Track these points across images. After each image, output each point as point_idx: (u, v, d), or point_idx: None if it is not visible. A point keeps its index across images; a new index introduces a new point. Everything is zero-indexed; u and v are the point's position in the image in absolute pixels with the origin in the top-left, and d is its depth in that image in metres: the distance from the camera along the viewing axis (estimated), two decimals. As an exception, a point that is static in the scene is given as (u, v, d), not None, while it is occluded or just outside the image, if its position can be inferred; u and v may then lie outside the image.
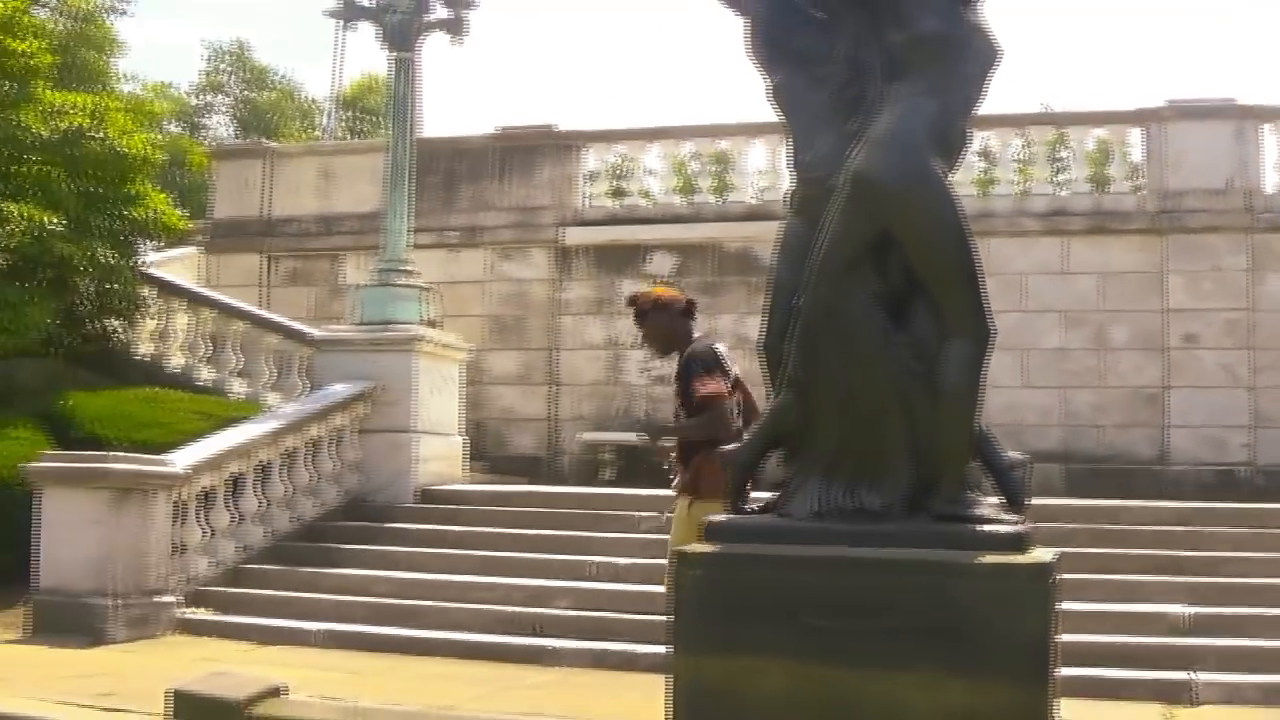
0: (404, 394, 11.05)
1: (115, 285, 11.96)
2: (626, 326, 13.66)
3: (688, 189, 15.68)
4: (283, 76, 26.58)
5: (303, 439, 10.36)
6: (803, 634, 4.51)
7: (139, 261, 12.64)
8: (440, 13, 11.84)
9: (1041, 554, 4.59)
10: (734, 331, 13.48)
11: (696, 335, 6.24)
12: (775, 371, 5.00)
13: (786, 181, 13.63)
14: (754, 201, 14.15)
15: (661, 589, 6.15)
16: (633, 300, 6.37)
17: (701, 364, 5.95)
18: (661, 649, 6.09)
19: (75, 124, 11.72)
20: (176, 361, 12.81)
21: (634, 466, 12.76)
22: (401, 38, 11.69)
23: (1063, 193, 13.94)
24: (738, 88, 40.69)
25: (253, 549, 9.74)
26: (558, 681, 7.26)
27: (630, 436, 10.57)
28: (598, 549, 9.33)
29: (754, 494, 5.05)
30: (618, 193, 16.40)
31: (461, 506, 10.74)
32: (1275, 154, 13.21)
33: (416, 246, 11.99)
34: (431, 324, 11.61)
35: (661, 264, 14.17)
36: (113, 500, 8.53)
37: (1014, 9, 4.94)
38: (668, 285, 6.73)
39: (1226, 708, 6.74)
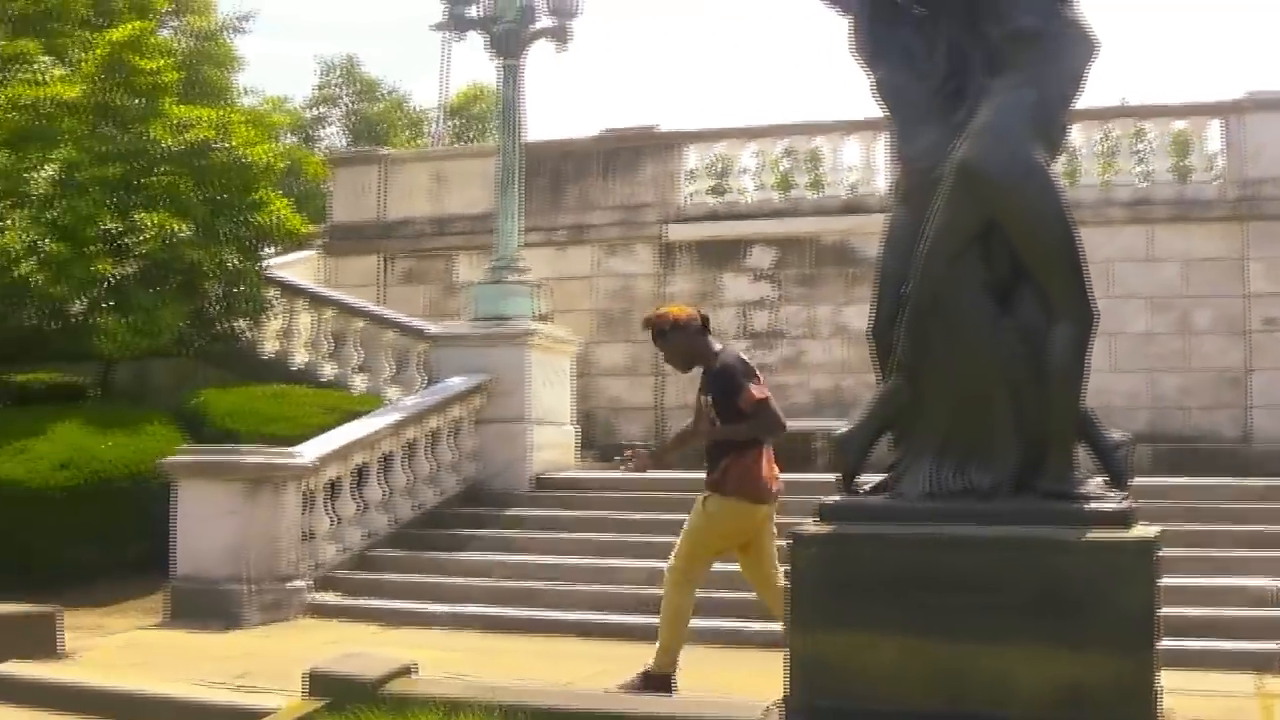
0: (518, 385, 11.39)
1: (241, 288, 12.32)
2: (728, 318, 13.97)
3: (784, 185, 15.88)
4: (391, 89, 27.12)
5: (423, 430, 10.73)
6: (914, 610, 4.71)
7: (263, 265, 13.02)
8: (545, 22, 12.12)
9: (1145, 530, 4.74)
10: (832, 321, 13.95)
11: (717, 347, 6.35)
12: (884, 358, 5.18)
13: (880, 176, 13.90)
14: (849, 196, 14.35)
15: None
16: (649, 323, 6.47)
17: (742, 372, 6.17)
18: (772, 626, 6.30)
19: (201, 136, 12.05)
20: (300, 359, 13.20)
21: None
22: (508, 46, 12.00)
23: (1144, 183, 13.98)
24: (831, 86, 40.69)
25: (378, 535, 10.10)
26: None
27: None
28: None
29: (863, 476, 5.24)
30: (717, 190, 16.69)
31: (574, 493, 11.05)
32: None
33: (526, 245, 12.34)
34: (543, 319, 11.96)
35: (761, 258, 14.39)
36: (245, 491, 8.92)
37: (1091, 5, 5.05)
38: (680, 305, 6.83)
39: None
